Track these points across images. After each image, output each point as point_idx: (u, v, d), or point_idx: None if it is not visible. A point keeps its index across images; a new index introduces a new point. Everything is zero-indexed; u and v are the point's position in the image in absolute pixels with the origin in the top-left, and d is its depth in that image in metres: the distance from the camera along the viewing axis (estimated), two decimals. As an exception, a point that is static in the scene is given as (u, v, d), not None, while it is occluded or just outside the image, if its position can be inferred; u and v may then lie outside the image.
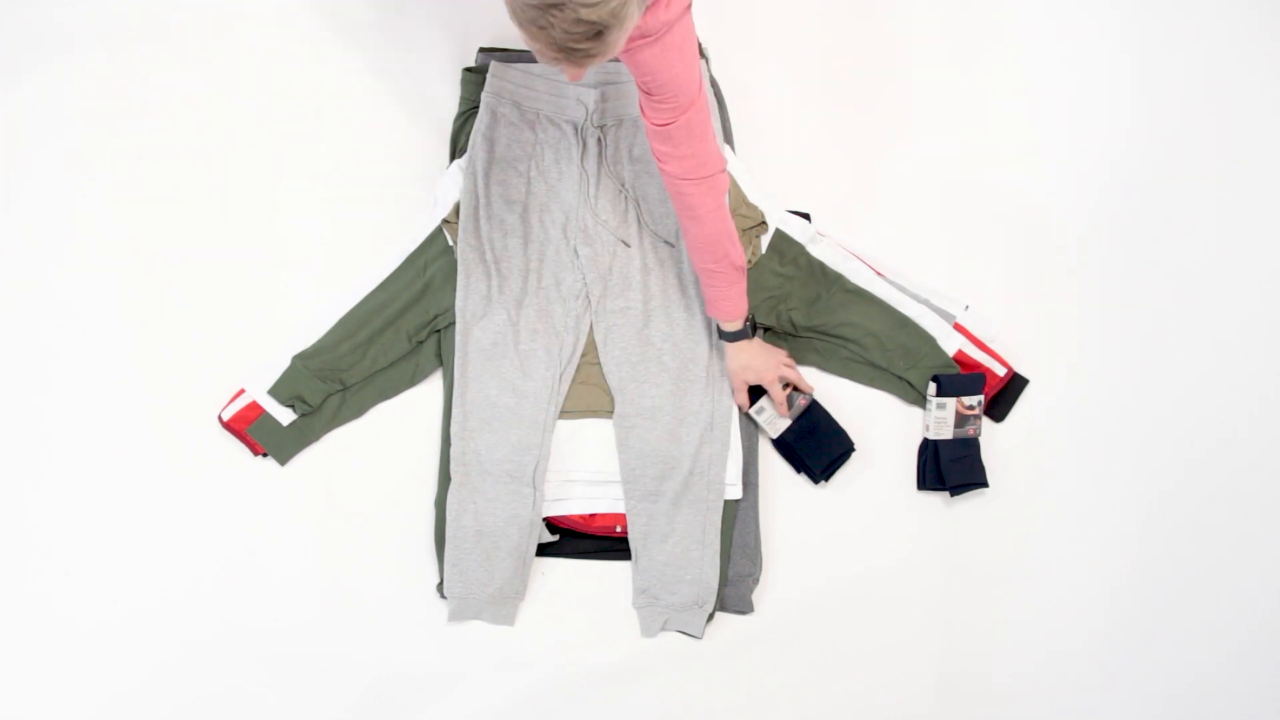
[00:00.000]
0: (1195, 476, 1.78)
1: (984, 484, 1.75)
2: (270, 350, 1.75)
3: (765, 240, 1.76)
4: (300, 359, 1.72)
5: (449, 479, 1.72)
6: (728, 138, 1.80)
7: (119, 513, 1.75)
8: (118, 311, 1.79)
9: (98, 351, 1.78)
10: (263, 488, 1.76)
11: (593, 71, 1.76)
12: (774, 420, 1.73)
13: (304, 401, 1.72)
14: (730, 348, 1.68)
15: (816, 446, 1.72)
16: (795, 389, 1.72)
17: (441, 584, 1.71)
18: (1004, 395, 1.78)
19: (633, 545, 1.71)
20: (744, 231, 1.75)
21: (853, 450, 1.73)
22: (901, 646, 1.74)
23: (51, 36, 1.85)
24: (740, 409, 1.73)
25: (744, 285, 1.63)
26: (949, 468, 1.73)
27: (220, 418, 1.74)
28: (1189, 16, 1.88)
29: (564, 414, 1.72)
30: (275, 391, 1.71)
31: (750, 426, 1.74)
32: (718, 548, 1.70)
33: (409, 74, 1.85)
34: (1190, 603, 1.76)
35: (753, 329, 1.72)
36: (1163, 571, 1.77)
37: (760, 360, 1.68)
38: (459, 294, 1.72)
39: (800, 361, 1.78)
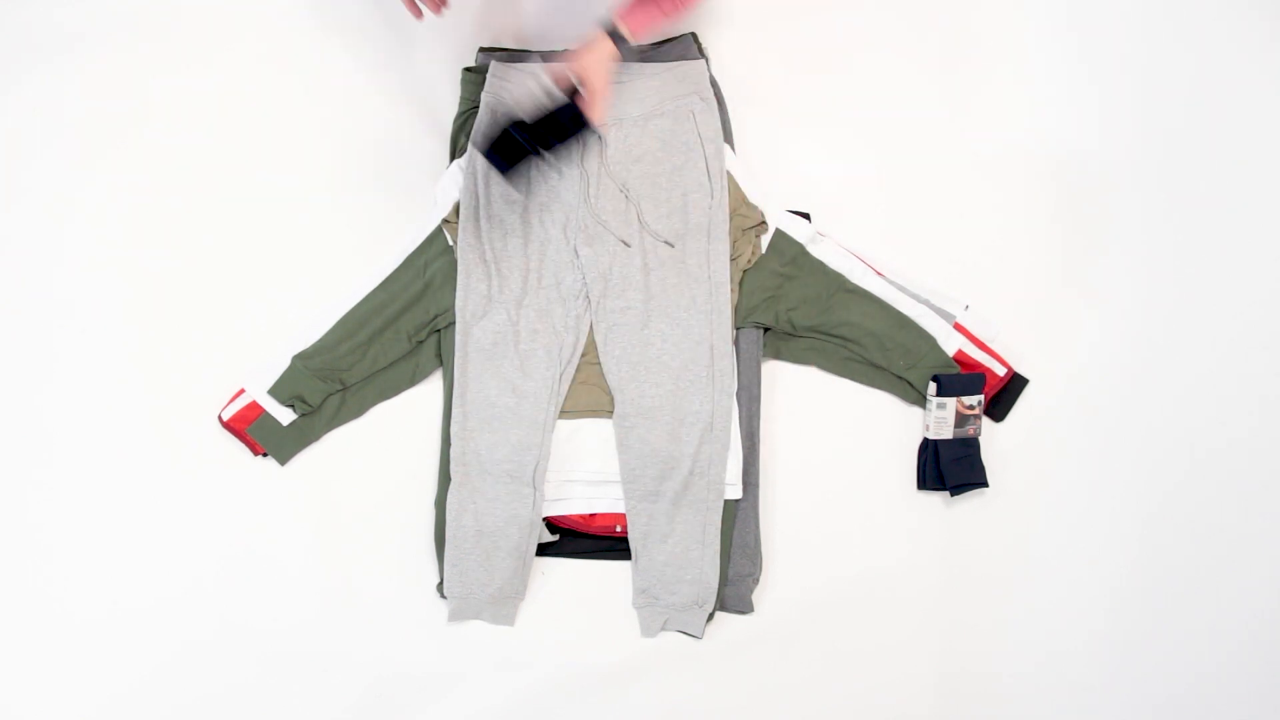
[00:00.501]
0: (1195, 476, 1.78)
1: (984, 484, 1.75)
2: (270, 350, 1.75)
3: (765, 240, 1.76)
4: (300, 359, 1.72)
5: (449, 479, 1.72)
6: (728, 138, 1.80)
7: (119, 513, 1.75)
8: (118, 311, 1.80)
9: (98, 351, 1.78)
10: (263, 488, 1.76)
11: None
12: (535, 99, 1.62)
13: (304, 401, 1.72)
14: (601, 47, 1.61)
15: (551, 125, 1.62)
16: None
17: (441, 584, 1.71)
18: (1004, 395, 1.78)
19: (633, 545, 1.71)
20: (744, 231, 1.75)
21: (586, 126, 1.63)
22: (901, 646, 1.74)
23: (51, 37, 1.85)
24: (557, 80, 1.63)
25: (666, 23, 1.64)
26: (949, 467, 1.73)
27: (220, 418, 1.74)
28: (1194, 15, 1.88)
29: (564, 414, 1.72)
30: (275, 391, 1.71)
31: (750, 426, 1.74)
32: (718, 548, 1.70)
33: (409, 74, 1.85)
34: (1191, 602, 1.76)
35: (624, 53, 1.64)
36: (1163, 571, 1.77)
37: (606, 74, 1.62)
38: (459, 294, 1.72)
39: (800, 361, 1.78)
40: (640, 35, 1.63)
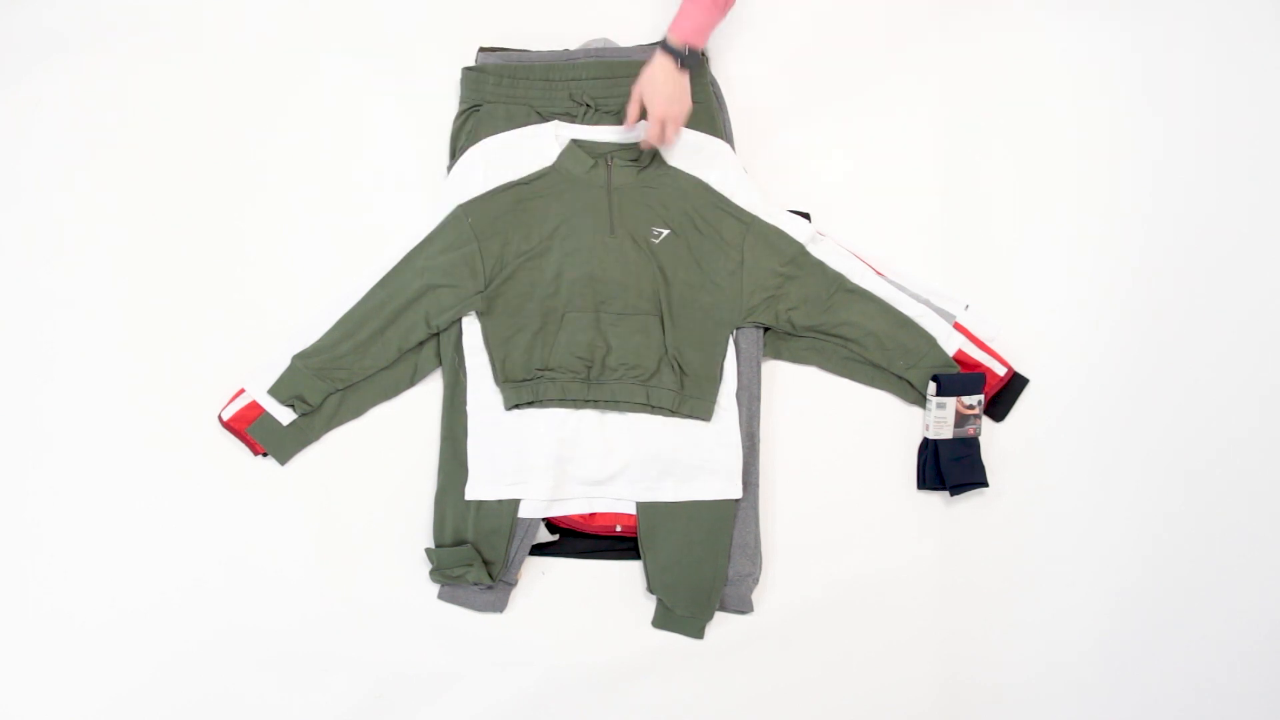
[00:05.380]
0: (1198, 475, 1.78)
1: (984, 483, 1.75)
2: (270, 350, 1.75)
3: (765, 240, 1.76)
4: (300, 358, 1.72)
5: (449, 478, 1.72)
6: (728, 138, 1.80)
7: (119, 513, 1.75)
8: (117, 312, 1.80)
9: (97, 352, 1.78)
10: (263, 488, 1.76)
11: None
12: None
13: (304, 401, 1.72)
14: (656, 61, 1.64)
15: None
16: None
17: (434, 571, 1.70)
18: (1004, 395, 1.78)
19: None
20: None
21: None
22: (901, 645, 1.74)
23: (50, 38, 1.85)
24: (626, 123, 1.70)
25: (717, 20, 1.62)
26: (949, 467, 1.73)
27: (220, 417, 1.74)
28: (1197, 15, 1.88)
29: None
30: (275, 391, 1.71)
31: (751, 426, 1.74)
32: (719, 547, 1.70)
33: (409, 74, 1.85)
34: (1194, 602, 1.76)
35: (684, 62, 1.64)
36: (1165, 570, 1.76)
37: (666, 91, 1.64)
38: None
39: (800, 361, 1.78)
40: (700, 40, 1.62)
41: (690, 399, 1.71)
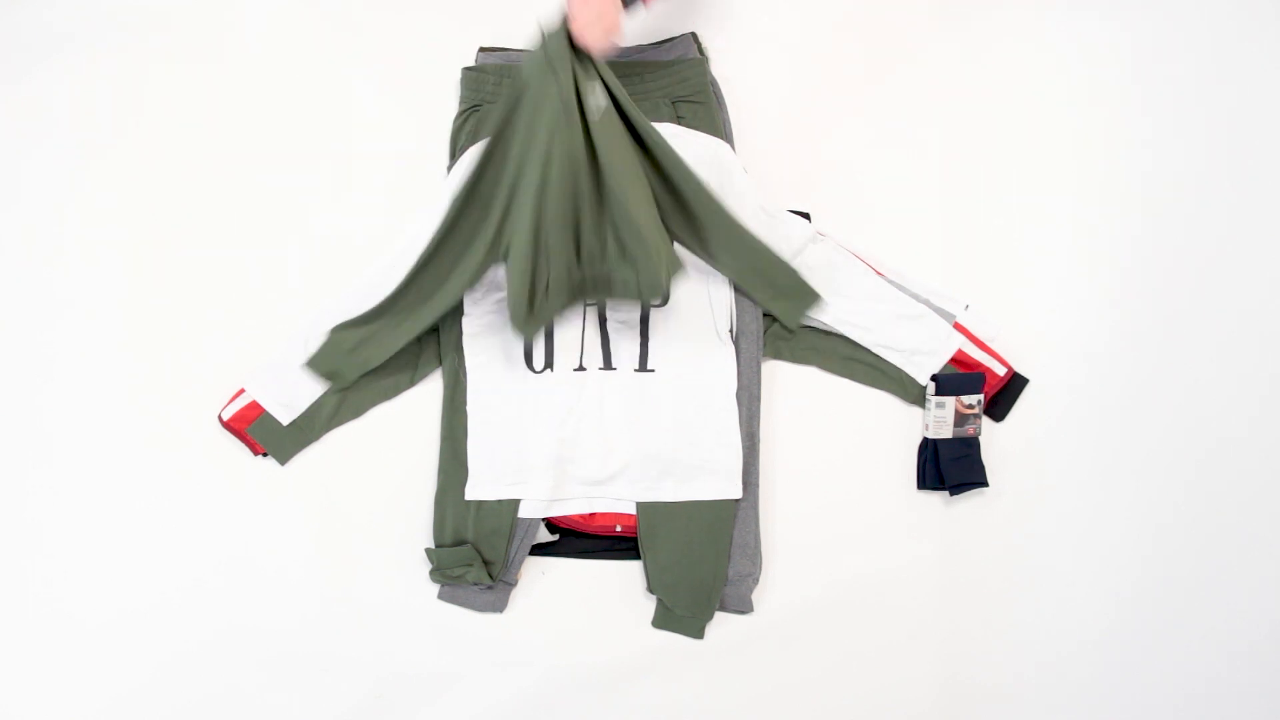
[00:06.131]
0: (1197, 475, 1.78)
1: (984, 483, 1.75)
2: (270, 350, 1.75)
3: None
4: (338, 330, 1.72)
5: (449, 478, 1.72)
6: (728, 138, 1.80)
7: (119, 513, 1.75)
8: (117, 311, 1.80)
9: (97, 352, 1.79)
10: (263, 488, 1.76)
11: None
12: None
13: (341, 376, 1.72)
14: None
15: None
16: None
17: (434, 571, 1.70)
18: (1004, 395, 1.78)
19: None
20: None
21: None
22: (901, 646, 1.75)
23: (51, 37, 1.86)
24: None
25: None
26: (949, 467, 1.73)
27: (220, 417, 1.75)
28: (1195, 18, 1.88)
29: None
30: (314, 364, 1.72)
31: (751, 426, 1.74)
32: (719, 547, 1.70)
33: (409, 74, 1.85)
34: (1194, 602, 1.76)
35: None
36: (1165, 570, 1.77)
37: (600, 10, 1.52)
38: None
39: (800, 361, 1.78)
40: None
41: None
